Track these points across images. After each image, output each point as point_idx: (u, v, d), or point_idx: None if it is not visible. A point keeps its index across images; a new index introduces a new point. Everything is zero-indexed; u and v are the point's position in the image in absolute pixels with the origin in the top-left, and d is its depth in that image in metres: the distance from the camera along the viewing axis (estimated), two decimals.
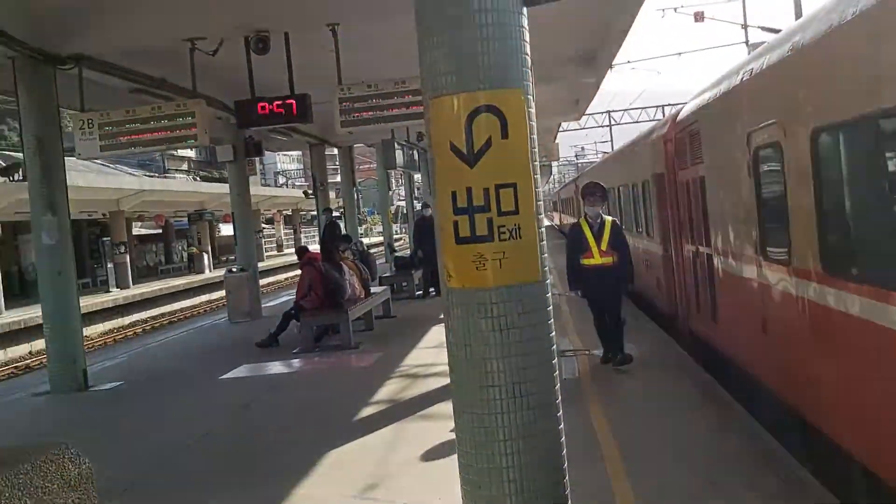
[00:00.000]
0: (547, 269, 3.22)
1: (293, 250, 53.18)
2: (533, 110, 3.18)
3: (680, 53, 33.55)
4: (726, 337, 7.76)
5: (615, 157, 18.08)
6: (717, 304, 7.97)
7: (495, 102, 3.08)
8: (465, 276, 3.12)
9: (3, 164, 22.04)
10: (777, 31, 19.02)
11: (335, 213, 21.38)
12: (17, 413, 9.16)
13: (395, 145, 17.38)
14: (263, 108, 10.08)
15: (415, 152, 20.41)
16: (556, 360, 3.22)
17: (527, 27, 3.21)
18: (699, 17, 25.81)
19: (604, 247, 8.09)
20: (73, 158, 14.05)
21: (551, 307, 3.22)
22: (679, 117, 9.56)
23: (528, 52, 3.21)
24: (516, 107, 3.10)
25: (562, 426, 3.20)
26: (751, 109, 6.35)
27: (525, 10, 3.21)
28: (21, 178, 14.43)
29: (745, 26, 25.14)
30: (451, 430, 5.80)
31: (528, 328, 3.09)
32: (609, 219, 8.38)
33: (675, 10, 26.24)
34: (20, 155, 30.84)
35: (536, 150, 3.21)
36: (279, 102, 10.03)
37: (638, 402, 7.15)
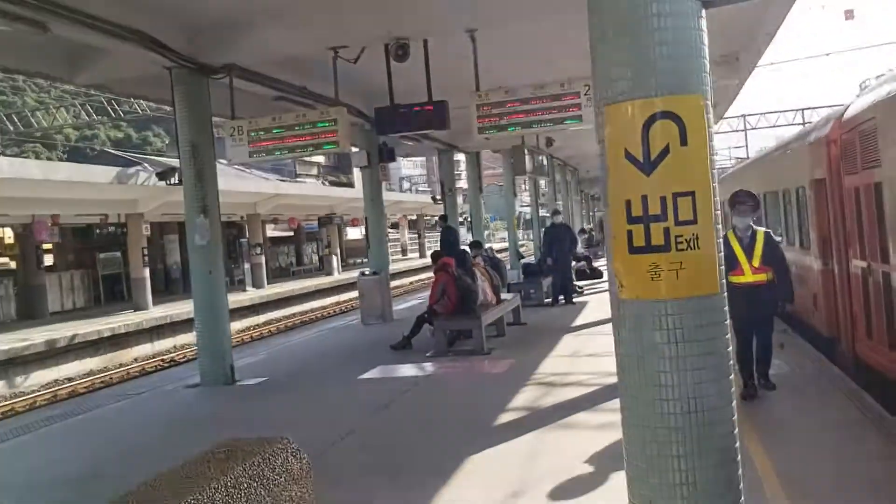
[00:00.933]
0: (724, 282, 3.10)
1: (417, 255, 54.19)
2: (712, 116, 3.07)
3: (829, 53, 31.75)
4: None
5: (760, 162, 16.67)
6: None
7: (673, 108, 2.99)
8: (638, 286, 3.05)
9: (159, 170, 23.50)
10: None
11: (450, 221, 21.49)
12: (174, 404, 9.74)
13: (525, 151, 17.35)
14: (402, 114, 10.29)
15: (543, 158, 20.33)
16: (732, 376, 3.09)
17: (706, 31, 3.11)
18: (849, 15, 24.38)
19: (756, 262, 7.28)
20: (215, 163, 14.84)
21: (728, 321, 3.10)
22: (847, 115, 8.57)
23: (707, 55, 3.11)
24: (696, 113, 3.01)
25: (738, 444, 3.07)
26: None
27: (704, 12, 3.11)
28: (177, 181, 15.31)
29: None
30: (595, 442, 5.76)
31: (704, 342, 2.99)
32: (762, 230, 7.54)
33: (823, 7, 24.90)
34: (163, 160, 32.88)
35: (716, 157, 3.11)
36: (418, 109, 10.21)
37: (794, 424, 6.77)
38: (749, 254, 7.29)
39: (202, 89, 10.41)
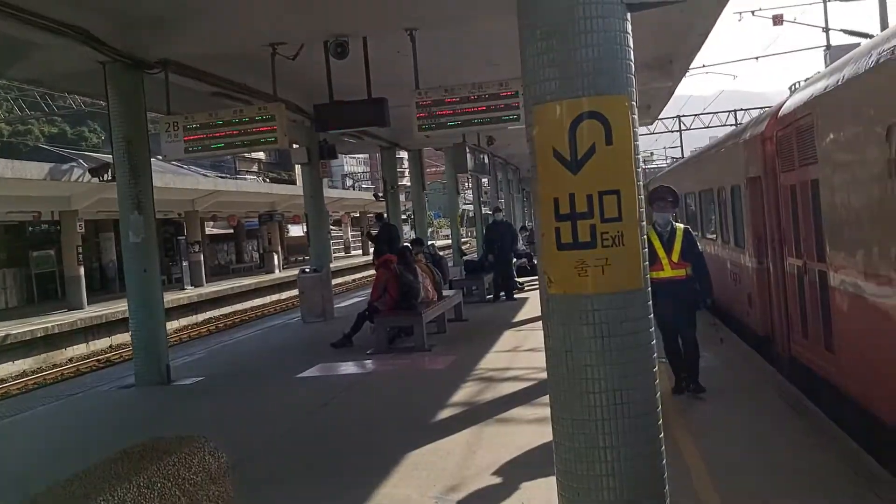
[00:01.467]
0: (647, 276, 3.20)
1: (360, 252, 53.96)
2: (637, 116, 3.16)
3: (758, 57, 32.69)
4: (849, 373, 6.54)
5: (696, 160, 16.52)
6: (835, 332, 6.78)
7: (599, 109, 3.07)
8: (566, 282, 3.12)
9: (93, 165, 22.90)
10: (863, 35, 18.39)
11: (385, 217, 21.49)
12: (107, 405, 9.55)
13: (466, 149, 17.43)
14: (342, 111, 10.27)
15: (485, 157, 20.45)
16: (656, 369, 3.19)
17: (630, 33, 3.19)
18: (778, 20, 25.14)
19: (675, 258, 7.32)
20: (152, 160, 14.56)
21: (652, 315, 3.19)
22: (783, 112, 8.34)
23: (632, 58, 3.20)
24: (621, 113, 3.09)
25: (662, 434, 3.17)
26: (894, 97, 5.22)
27: (629, 15, 3.20)
28: (110, 178, 14.97)
29: (826, 30, 24.38)
30: (532, 435, 5.87)
31: (629, 336, 3.08)
32: (681, 226, 7.57)
33: (753, 13, 25.62)
34: (99, 156, 32.06)
35: (640, 156, 3.20)
36: (357, 106, 10.20)
37: (724, 418, 6.96)
38: (668, 249, 7.35)
39: (137, 84, 10.20)
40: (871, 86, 5.65)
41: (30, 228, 29.52)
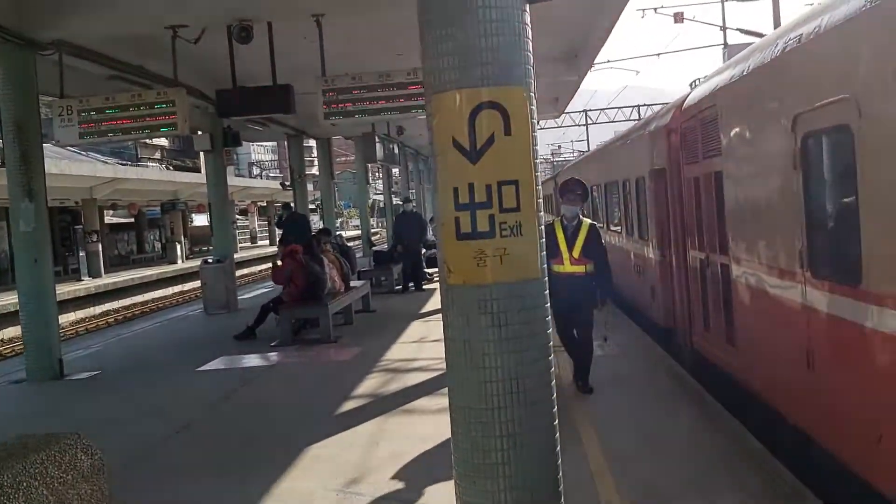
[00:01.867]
0: (545, 266, 3.24)
1: (267, 242, 52.98)
2: (535, 107, 3.19)
3: (659, 54, 33.75)
4: (750, 366, 6.47)
5: (601, 153, 16.27)
6: (737, 325, 6.71)
7: (498, 99, 3.08)
8: (465, 272, 3.12)
9: None
10: (757, 34, 19.20)
11: (293, 206, 21.19)
12: None
13: (376, 139, 17.34)
14: (246, 97, 10.02)
15: (394, 146, 20.40)
16: (552, 357, 3.24)
17: (529, 24, 3.22)
18: (679, 17, 26.01)
19: (576, 253, 7.13)
20: (47, 145, 13.86)
21: (549, 304, 3.24)
22: (687, 103, 8.26)
23: (531, 49, 3.22)
24: (519, 104, 3.11)
25: (556, 422, 3.22)
26: (802, 85, 5.07)
27: (528, 6, 3.22)
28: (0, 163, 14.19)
29: (723, 28, 25.37)
30: (435, 425, 5.89)
31: (526, 325, 3.11)
32: (587, 222, 7.40)
33: (656, 10, 26.44)
34: None
35: (538, 147, 3.23)
36: (262, 92, 9.97)
37: (624, 407, 7.13)
38: (571, 244, 7.16)
39: (28, 65, 9.68)
40: (776, 76, 5.52)
41: None
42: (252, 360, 10.24)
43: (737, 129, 6.52)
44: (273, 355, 10.49)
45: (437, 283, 12.54)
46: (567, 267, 7.12)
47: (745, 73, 6.18)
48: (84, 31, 10.01)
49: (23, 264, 9.83)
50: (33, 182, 9.66)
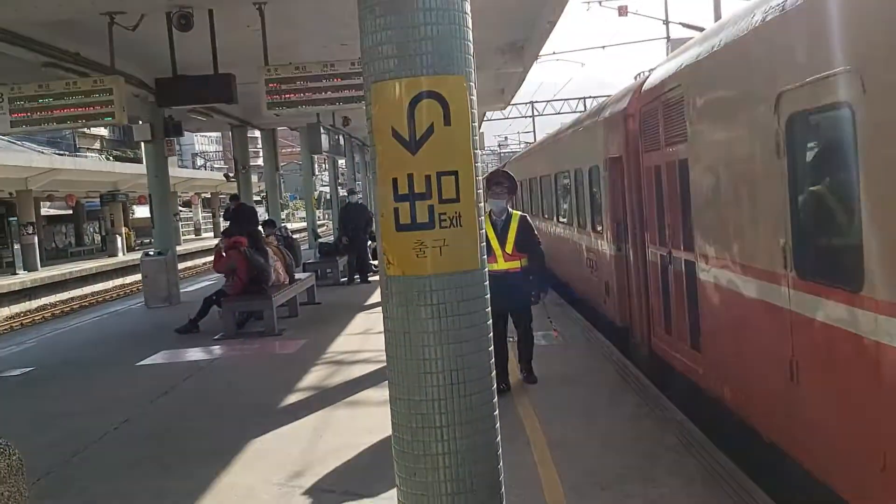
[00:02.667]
0: (485, 258, 3.24)
1: (211, 234, 52.09)
2: (475, 98, 3.18)
3: (604, 46, 34.18)
4: (718, 374, 5.87)
5: (551, 142, 15.37)
6: (703, 329, 6.09)
7: (438, 88, 3.05)
8: (405, 263, 3.10)
9: None
10: (698, 28, 19.57)
11: (243, 199, 20.89)
12: None
13: (321, 130, 17.17)
14: (186, 86, 9.82)
15: (340, 137, 20.25)
16: (491, 348, 3.24)
17: (470, 13, 3.20)
18: (623, 11, 26.36)
19: (509, 248, 6.78)
20: None
21: (488, 295, 3.24)
22: (647, 85, 7.56)
23: (471, 38, 3.20)
24: (458, 94, 3.09)
25: (496, 412, 3.22)
26: (788, 59, 4.36)
27: None
28: None
29: (666, 22, 25.79)
30: (380, 417, 5.87)
31: (466, 315, 3.10)
32: (518, 214, 7.03)
33: (601, 2, 26.72)
34: None
35: (478, 137, 3.22)
36: (202, 81, 9.77)
37: (571, 401, 7.20)
38: (502, 240, 6.81)
39: None
40: (754, 50, 4.87)
41: None
42: (195, 354, 10.07)
43: (706, 113, 5.90)
44: (216, 348, 10.33)
45: None
46: (501, 264, 6.73)
47: (715, 49, 5.48)
48: (15, 16, 9.65)
49: None
50: None
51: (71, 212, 39.51)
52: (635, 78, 10.40)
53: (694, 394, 6.36)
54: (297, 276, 13.02)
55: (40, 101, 9.78)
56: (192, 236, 53.39)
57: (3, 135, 10.18)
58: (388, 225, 3.11)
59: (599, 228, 9.99)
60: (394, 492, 4.34)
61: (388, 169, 3.10)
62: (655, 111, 7.16)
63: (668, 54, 12.77)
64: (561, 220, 13.49)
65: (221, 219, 33.87)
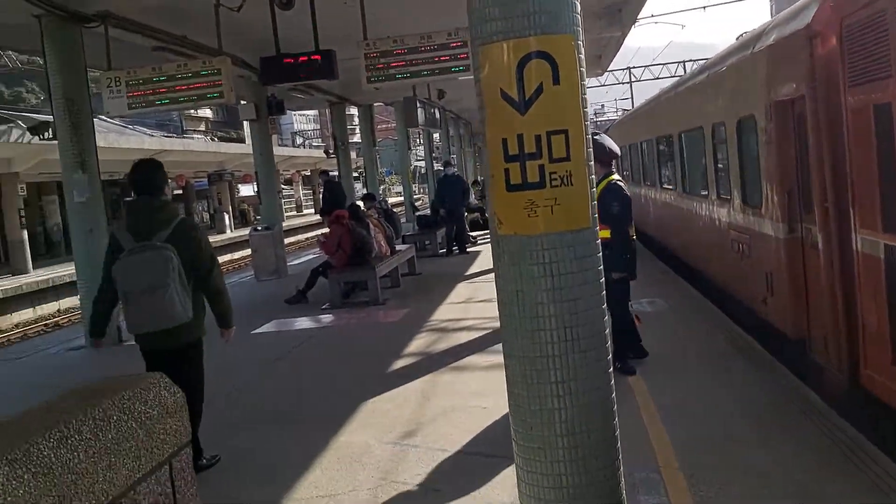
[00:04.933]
0: (596, 216, 3.25)
1: (312, 211, 53.46)
2: (583, 56, 3.18)
3: (705, 7, 32.90)
4: None
5: (670, 96, 12.95)
6: None
7: (546, 48, 3.07)
8: (516, 223, 3.15)
9: (32, 125, 22.18)
10: None
11: (333, 173, 21.36)
12: (57, 365, 9.41)
13: (417, 103, 17.31)
14: (288, 64, 10.07)
15: (436, 110, 20.35)
16: (604, 305, 3.26)
17: None
18: None
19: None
20: (95, 119, 14.15)
21: (600, 253, 3.26)
22: None
23: None
24: (567, 52, 3.10)
25: (610, 369, 3.25)
26: None
27: None
28: (51, 136, 14.54)
29: None
30: (485, 381, 5.99)
31: (578, 273, 3.13)
32: (606, 181, 6.38)
33: None
34: (39, 116, 31.10)
35: (587, 96, 3.22)
36: (304, 59, 10.01)
37: (679, 369, 7.14)
38: None
39: (75, 38, 9.87)
40: None
41: None
42: (304, 323, 10.46)
43: None
44: (324, 318, 10.68)
45: (481, 246, 12.56)
46: None
47: None
48: (128, 3, 10.14)
49: (78, 235, 10.12)
50: (85, 154, 9.90)
51: (181, 191, 41.32)
52: (737, 39, 9.53)
53: None
54: (397, 247, 13.28)
55: (154, 83, 10.24)
56: (294, 213, 54.90)
57: (121, 117, 10.73)
58: (498, 185, 3.17)
59: (756, 200, 7.65)
60: (508, 450, 4.46)
61: (498, 130, 3.15)
62: (879, 19, 4.74)
63: (772, 14, 12.02)
64: (688, 190, 11.30)
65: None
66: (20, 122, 25.11)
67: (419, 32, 9.97)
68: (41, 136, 20.44)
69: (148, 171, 5.11)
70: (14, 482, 1.52)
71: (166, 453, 2.11)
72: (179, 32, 11.65)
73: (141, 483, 1.97)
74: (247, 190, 47.40)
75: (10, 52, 29.35)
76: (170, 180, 37.58)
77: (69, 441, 1.74)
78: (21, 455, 1.60)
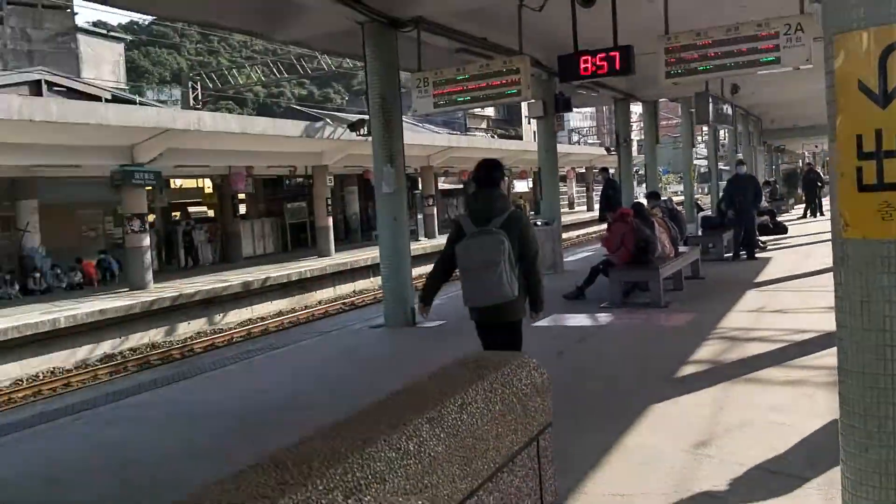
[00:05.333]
0: None
1: (584, 208, 53.51)
2: None
3: None
4: None
5: None
6: None
7: None
8: (866, 226, 2.89)
9: (350, 122, 24.64)
10: None
11: (612, 171, 20.99)
12: (362, 341, 10.38)
13: (709, 98, 16.62)
14: (586, 61, 10.13)
15: (727, 106, 19.39)
16: None
17: None
18: None
19: None
20: None
21: None
22: None
23: None
24: None
25: None
26: None
27: None
28: (366, 133, 16.05)
29: None
30: (785, 396, 5.54)
31: None
32: None
33: None
34: (344, 115, 34.27)
35: None
36: (602, 55, 10.01)
37: None
38: None
39: (392, 42, 10.75)
40: None
41: (286, 182, 32.46)
42: (582, 320, 10.50)
43: None
44: (603, 316, 10.64)
45: (771, 253, 11.72)
46: None
47: None
48: (439, 9, 10.86)
49: (384, 223, 11.04)
50: (394, 149, 10.77)
51: (462, 186, 43.43)
52: None
53: None
54: (681, 249, 12.84)
55: (457, 81, 10.85)
56: (566, 209, 55.34)
57: (426, 114, 11.50)
58: (848, 184, 2.93)
59: None
60: (816, 471, 4.15)
61: (851, 125, 2.91)
62: None
63: None
64: None
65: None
66: (328, 121, 27.98)
67: (723, 25, 9.53)
68: (358, 133, 22.56)
69: (489, 168, 5.83)
70: (433, 440, 1.70)
71: (535, 430, 2.26)
72: (481, 34, 12.24)
73: (518, 455, 2.11)
74: (521, 186, 48.64)
75: (325, 57, 32.69)
76: (455, 175, 39.69)
77: (469, 407, 1.91)
78: (436, 415, 1.78)
